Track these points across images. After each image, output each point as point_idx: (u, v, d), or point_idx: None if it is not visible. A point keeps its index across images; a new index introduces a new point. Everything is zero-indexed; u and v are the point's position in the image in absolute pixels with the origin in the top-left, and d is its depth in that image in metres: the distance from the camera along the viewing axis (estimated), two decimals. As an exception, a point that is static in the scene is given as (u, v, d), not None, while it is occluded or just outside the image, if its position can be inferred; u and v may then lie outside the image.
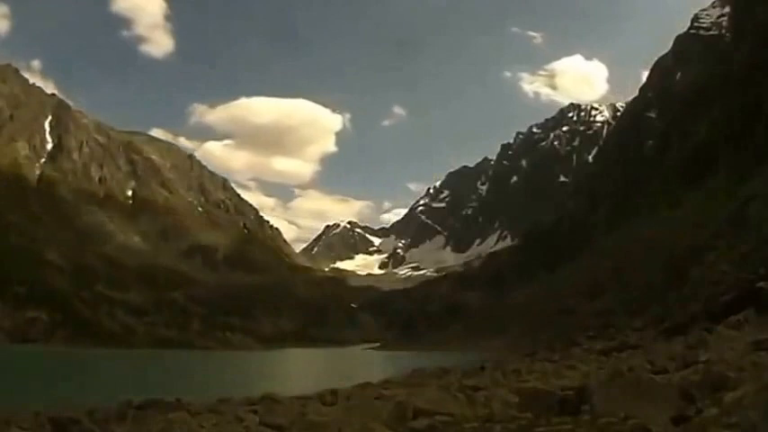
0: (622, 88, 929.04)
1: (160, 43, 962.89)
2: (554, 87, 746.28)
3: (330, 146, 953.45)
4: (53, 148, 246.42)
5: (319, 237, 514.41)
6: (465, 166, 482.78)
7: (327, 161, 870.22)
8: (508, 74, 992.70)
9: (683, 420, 6.17)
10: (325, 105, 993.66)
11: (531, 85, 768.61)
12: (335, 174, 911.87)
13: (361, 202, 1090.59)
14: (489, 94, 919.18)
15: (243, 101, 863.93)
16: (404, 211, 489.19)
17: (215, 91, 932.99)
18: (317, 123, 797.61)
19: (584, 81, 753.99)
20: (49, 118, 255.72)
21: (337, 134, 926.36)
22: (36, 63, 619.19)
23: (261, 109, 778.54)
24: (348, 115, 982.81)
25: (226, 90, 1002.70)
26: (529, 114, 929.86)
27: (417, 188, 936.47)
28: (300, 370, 67.38)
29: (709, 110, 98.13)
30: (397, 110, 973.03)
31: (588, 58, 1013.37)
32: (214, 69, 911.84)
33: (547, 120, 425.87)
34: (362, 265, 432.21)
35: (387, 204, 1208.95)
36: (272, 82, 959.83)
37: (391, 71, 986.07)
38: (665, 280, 57.77)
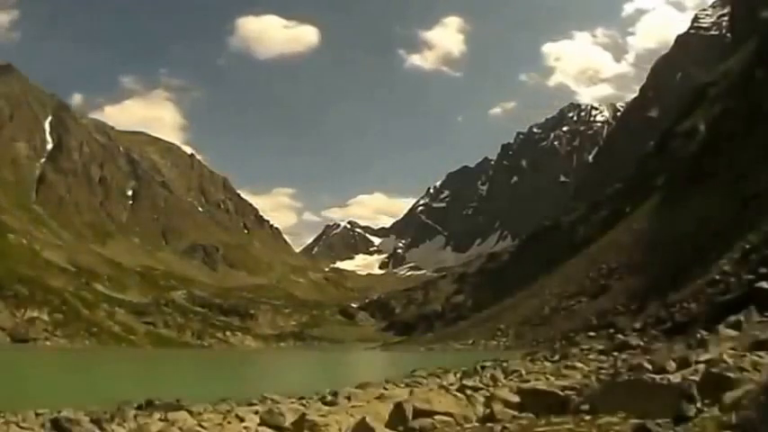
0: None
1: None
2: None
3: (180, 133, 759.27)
4: (53, 148, 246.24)
5: (319, 237, 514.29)
6: (465, 166, 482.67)
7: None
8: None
9: (682, 420, 6.18)
10: (159, 88, 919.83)
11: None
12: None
13: (281, 189, 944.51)
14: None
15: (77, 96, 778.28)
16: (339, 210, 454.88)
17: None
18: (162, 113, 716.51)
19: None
20: (49, 118, 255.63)
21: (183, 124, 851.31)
22: None
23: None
24: (187, 98, 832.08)
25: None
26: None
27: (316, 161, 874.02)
28: (300, 370, 67.31)
29: (709, 110, 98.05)
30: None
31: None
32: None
33: (547, 119, 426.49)
34: (362, 265, 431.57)
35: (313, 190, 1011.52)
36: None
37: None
38: (665, 280, 57.77)
